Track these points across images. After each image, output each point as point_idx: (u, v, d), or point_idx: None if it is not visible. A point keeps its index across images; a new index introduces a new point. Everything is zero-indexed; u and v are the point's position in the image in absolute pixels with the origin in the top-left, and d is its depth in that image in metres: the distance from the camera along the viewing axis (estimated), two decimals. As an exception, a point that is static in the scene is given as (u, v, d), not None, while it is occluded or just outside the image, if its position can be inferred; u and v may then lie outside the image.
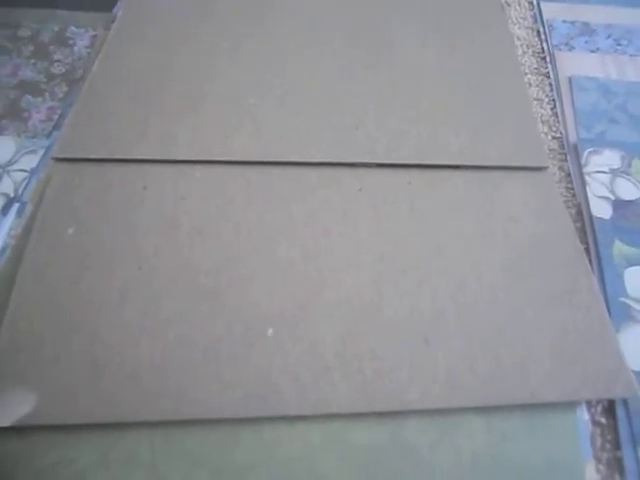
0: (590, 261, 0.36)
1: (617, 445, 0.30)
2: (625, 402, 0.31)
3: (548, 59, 0.50)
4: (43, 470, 0.28)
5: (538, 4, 0.55)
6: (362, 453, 0.29)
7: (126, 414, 0.29)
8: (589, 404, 0.32)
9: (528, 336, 0.32)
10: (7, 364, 0.30)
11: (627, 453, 0.30)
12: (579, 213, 0.40)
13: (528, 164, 0.40)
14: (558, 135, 0.44)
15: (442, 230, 0.37)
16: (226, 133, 0.41)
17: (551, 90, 0.47)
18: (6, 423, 0.28)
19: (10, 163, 0.41)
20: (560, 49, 0.50)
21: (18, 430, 0.29)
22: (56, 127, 0.44)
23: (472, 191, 0.39)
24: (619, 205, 0.39)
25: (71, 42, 0.50)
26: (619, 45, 0.51)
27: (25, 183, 0.40)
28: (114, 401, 0.30)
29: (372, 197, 0.38)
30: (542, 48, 0.51)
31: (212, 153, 0.39)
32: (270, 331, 0.32)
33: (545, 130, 0.44)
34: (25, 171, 0.41)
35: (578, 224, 0.39)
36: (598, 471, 0.30)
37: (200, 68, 0.45)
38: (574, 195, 0.41)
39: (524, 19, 0.53)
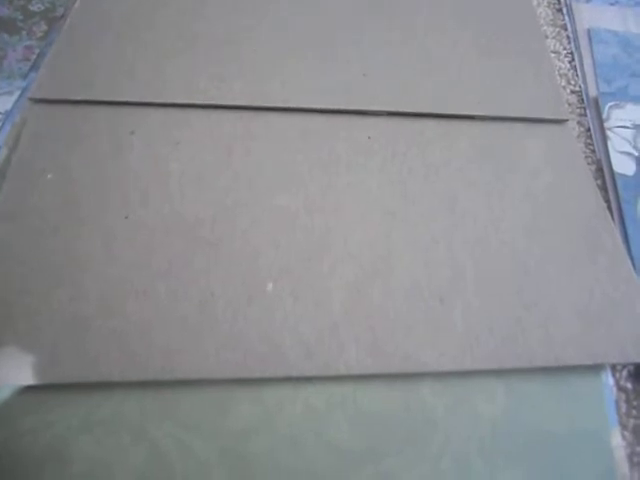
0: (612, 219, 0.34)
1: (644, 411, 0.28)
2: (652, 366, 0.29)
3: (565, 10, 0.47)
4: (21, 435, 0.25)
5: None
6: (372, 418, 0.27)
7: (111, 373, 0.26)
8: (614, 369, 0.30)
9: (551, 295, 0.30)
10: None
11: (655, 420, 0.28)
12: (599, 170, 0.37)
13: (547, 116, 0.37)
14: (577, 89, 0.41)
15: (457, 183, 0.34)
16: (222, 76, 0.37)
17: (569, 43, 0.44)
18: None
19: (-18, 105, 0.38)
20: (577, 0, 0.47)
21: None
22: (34, 68, 0.40)
23: (489, 143, 0.36)
24: (644, 161, 0.37)
25: (51, -22, 0.46)
26: (640, -2, 0.48)
27: (-1, 126, 0.37)
28: (98, 360, 0.27)
29: (382, 147, 0.35)
30: (558, -1, 0.48)
31: (207, 96, 0.36)
32: (270, 286, 0.29)
33: (563, 84, 0.42)
34: (-1, 113, 0.37)
35: (598, 181, 0.36)
36: (624, 437, 0.27)
37: (194, 8, 0.41)
38: (594, 151, 0.38)
39: (538, -31, 0.50)
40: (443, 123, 0.36)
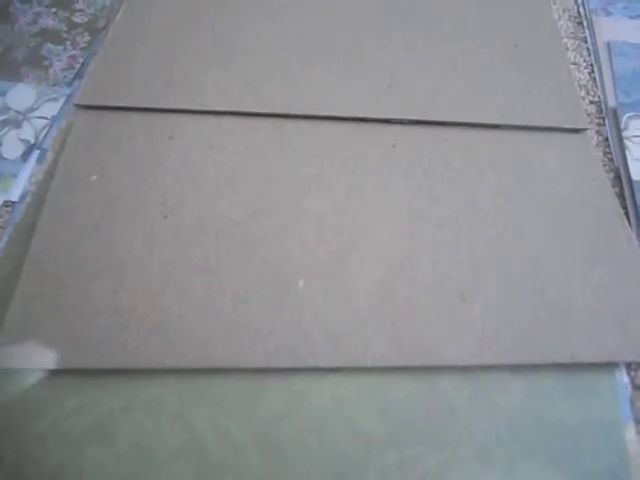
0: (630, 225, 0.35)
1: (658, 409, 0.29)
2: (666, 366, 0.30)
3: (585, 24, 0.48)
4: (69, 412, 0.28)
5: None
6: (396, 406, 0.28)
7: (151, 361, 0.28)
8: (629, 367, 0.31)
9: (568, 296, 0.31)
10: (29, 309, 0.29)
11: (669, 417, 0.29)
12: (617, 178, 0.38)
13: (567, 125, 0.39)
14: (596, 99, 0.43)
15: (478, 188, 0.36)
16: (255, 85, 0.39)
17: (588, 55, 0.46)
18: (31, 366, 0.28)
19: (30, 110, 0.40)
20: (597, 14, 0.49)
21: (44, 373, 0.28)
22: (78, 76, 0.43)
23: (510, 151, 0.37)
24: (660, 170, 0.38)
25: (93, -8, 0.49)
26: (659, 12, 0.49)
27: (46, 130, 0.39)
28: (139, 348, 0.29)
29: (407, 153, 0.37)
30: (579, 12, 0.49)
31: (241, 104, 0.38)
32: (301, 283, 0.31)
33: (583, 94, 0.43)
34: (46, 118, 0.40)
35: (616, 189, 0.38)
36: (638, 433, 0.29)
37: (228, 19, 0.44)
38: (612, 160, 0.39)
39: (560, -17, 0.52)
40: (466, 131, 0.38)
